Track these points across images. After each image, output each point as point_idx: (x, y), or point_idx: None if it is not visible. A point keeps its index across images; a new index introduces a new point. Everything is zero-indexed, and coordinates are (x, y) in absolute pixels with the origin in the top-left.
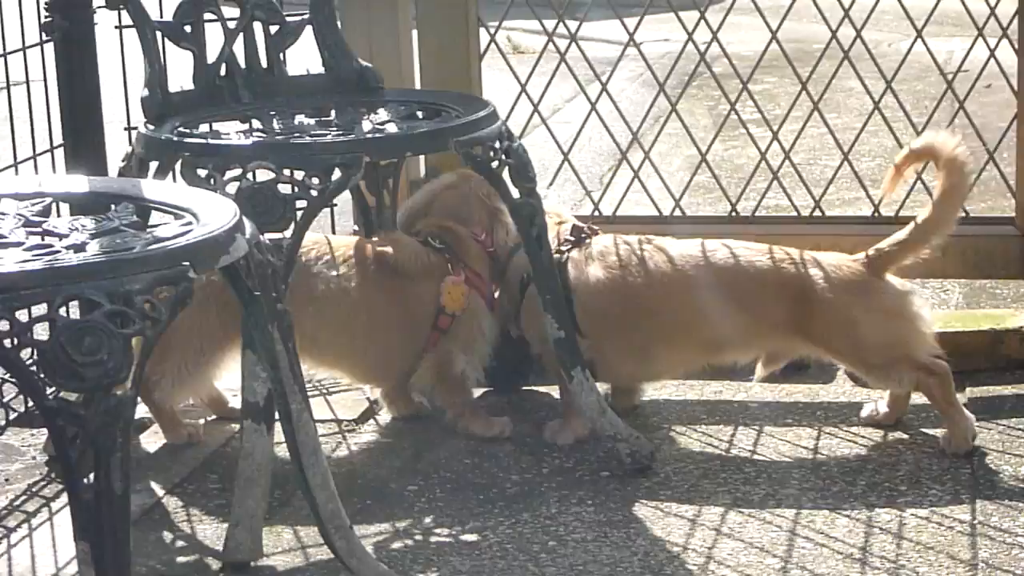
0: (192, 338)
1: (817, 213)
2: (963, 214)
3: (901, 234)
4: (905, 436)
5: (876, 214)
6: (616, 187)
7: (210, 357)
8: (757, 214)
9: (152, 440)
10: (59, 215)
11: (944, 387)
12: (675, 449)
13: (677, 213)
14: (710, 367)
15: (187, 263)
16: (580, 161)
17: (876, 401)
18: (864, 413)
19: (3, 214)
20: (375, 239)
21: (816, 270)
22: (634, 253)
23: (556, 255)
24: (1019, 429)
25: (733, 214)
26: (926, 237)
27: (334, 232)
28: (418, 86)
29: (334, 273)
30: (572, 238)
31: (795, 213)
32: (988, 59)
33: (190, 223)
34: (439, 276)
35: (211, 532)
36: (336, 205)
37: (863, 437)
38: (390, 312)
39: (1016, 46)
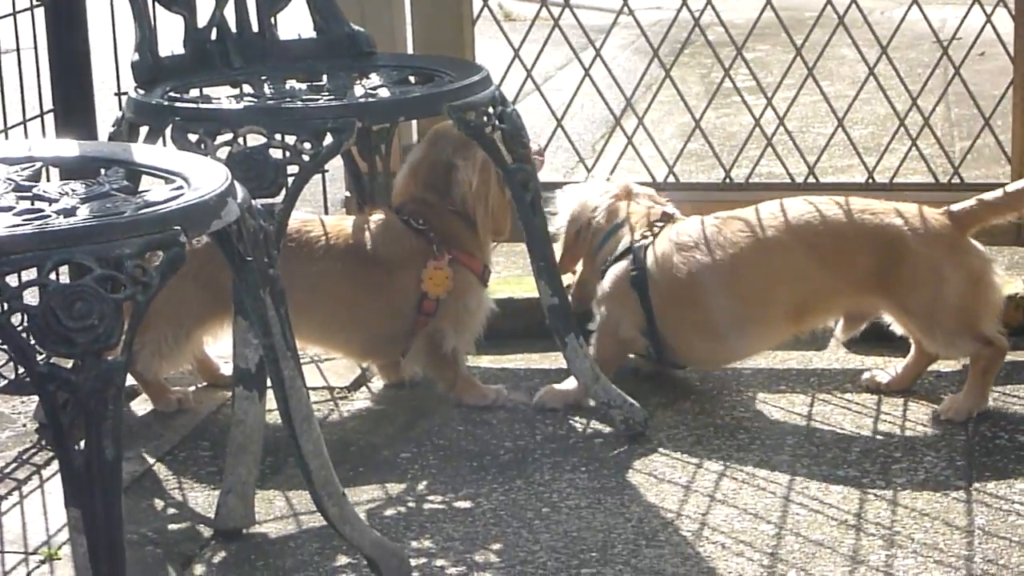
0: (171, 311)
1: (811, 180)
2: (958, 180)
3: (992, 195)
4: (899, 402)
5: (870, 180)
6: (609, 154)
7: (189, 330)
8: (751, 181)
9: (143, 407)
10: (49, 180)
11: (994, 362)
12: (668, 415)
13: (671, 180)
14: (797, 337)
15: (178, 227)
16: (573, 128)
17: (873, 369)
18: (863, 379)
19: None
20: (361, 219)
21: (903, 220)
22: (702, 230)
23: (642, 240)
24: (1015, 396)
25: (727, 181)
26: (1018, 204)
27: (325, 197)
28: (410, 51)
29: (318, 260)
30: (662, 224)
31: (789, 180)
32: (983, 26)
33: (181, 187)
34: (421, 261)
35: (203, 499)
36: (328, 171)
37: (857, 404)
38: (374, 299)
39: (1013, 12)
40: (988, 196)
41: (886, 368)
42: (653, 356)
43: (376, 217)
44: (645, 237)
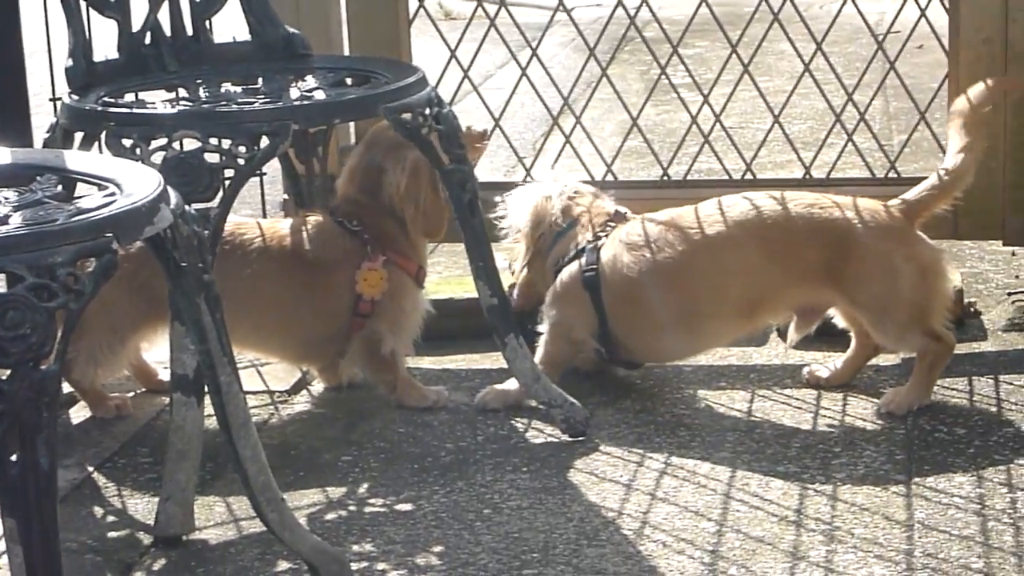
0: (105, 318)
1: (749, 176)
2: (895, 175)
3: (931, 182)
4: (839, 397)
5: (807, 176)
6: (548, 153)
7: (124, 336)
8: (689, 178)
9: (82, 414)
10: None
11: (941, 358)
12: (610, 414)
13: (609, 178)
14: (751, 335)
15: (110, 234)
16: (512, 127)
17: (813, 364)
18: (803, 374)
19: None
20: (295, 221)
21: (852, 213)
22: (652, 229)
23: (594, 241)
24: (954, 388)
25: (665, 178)
26: (957, 184)
27: (263, 200)
28: (347, 52)
29: (251, 263)
30: (613, 224)
31: (727, 177)
32: (919, 19)
33: (114, 194)
34: (355, 262)
35: (142, 506)
36: (265, 174)
37: (796, 399)
38: (308, 301)
39: (947, 5)
40: (927, 184)
41: (826, 363)
42: (605, 357)
43: (310, 219)
44: (597, 238)
